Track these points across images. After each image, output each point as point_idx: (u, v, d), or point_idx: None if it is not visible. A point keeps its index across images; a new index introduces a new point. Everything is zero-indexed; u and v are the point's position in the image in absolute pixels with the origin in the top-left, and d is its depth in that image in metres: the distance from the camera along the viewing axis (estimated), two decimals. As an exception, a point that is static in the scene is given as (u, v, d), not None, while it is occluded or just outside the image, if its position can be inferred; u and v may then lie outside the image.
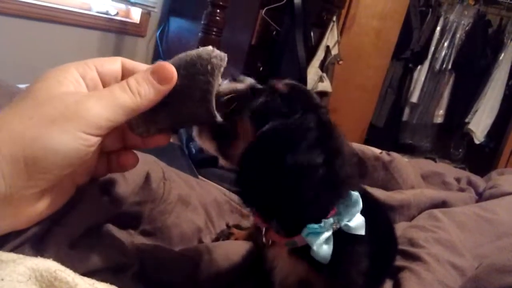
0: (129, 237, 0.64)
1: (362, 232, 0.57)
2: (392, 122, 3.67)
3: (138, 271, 0.58)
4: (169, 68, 0.47)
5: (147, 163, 0.70)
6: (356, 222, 0.56)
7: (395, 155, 1.08)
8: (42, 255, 0.41)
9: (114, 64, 0.49)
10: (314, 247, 0.53)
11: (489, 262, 0.66)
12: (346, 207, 0.56)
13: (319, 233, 0.54)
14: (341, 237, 0.55)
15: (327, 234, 0.54)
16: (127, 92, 0.45)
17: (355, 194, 0.56)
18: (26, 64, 2.20)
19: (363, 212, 0.57)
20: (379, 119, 3.65)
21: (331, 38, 2.90)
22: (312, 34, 2.77)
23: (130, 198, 0.64)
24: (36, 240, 0.47)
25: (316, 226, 0.54)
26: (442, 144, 3.69)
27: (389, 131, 3.64)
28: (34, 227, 0.46)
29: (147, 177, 0.68)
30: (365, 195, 0.73)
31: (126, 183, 0.63)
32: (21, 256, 0.41)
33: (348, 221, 0.56)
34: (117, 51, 2.68)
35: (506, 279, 0.62)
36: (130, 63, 0.50)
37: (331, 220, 0.55)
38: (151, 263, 0.61)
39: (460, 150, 3.59)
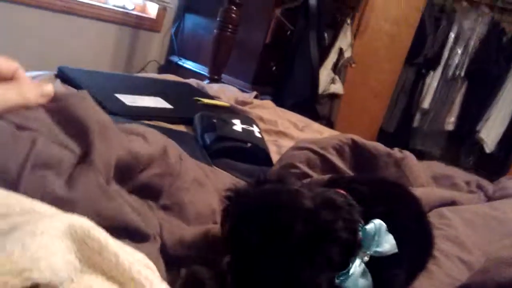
0: (150, 210, 0.66)
1: (394, 251, 0.57)
2: (403, 127, 3.67)
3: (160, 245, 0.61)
4: (51, 91, 0.62)
5: (163, 139, 0.73)
6: (386, 246, 0.57)
7: (407, 153, 1.10)
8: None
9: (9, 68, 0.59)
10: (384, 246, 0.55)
11: (498, 255, 0.67)
12: (370, 240, 0.57)
13: (351, 274, 0.54)
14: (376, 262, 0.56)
15: (360, 269, 0.55)
16: (18, 95, 0.58)
17: (372, 226, 0.57)
18: (41, 53, 2.24)
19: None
20: (389, 124, 3.65)
21: (344, 40, 2.92)
22: (326, 35, 2.79)
23: (151, 169, 0.66)
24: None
25: (344, 272, 0.54)
26: (452, 152, 3.68)
27: (399, 137, 3.64)
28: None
29: (165, 151, 0.70)
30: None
31: (147, 143, 0.65)
32: (57, 211, 0.43)
33: (377, 247, 0.57)
34: (132, 45, 2.72)
35: (515, 272, 0.63)
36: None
37: (357, 260, 0.55)
38: (169, 238, 0.63)
39: (470, 158, 3.58)
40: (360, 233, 0.56)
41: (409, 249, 0.63)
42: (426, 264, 0.72)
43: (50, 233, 0.40)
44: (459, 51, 3.46)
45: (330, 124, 2.90)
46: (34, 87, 0.61)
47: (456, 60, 3.47)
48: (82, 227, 0.44)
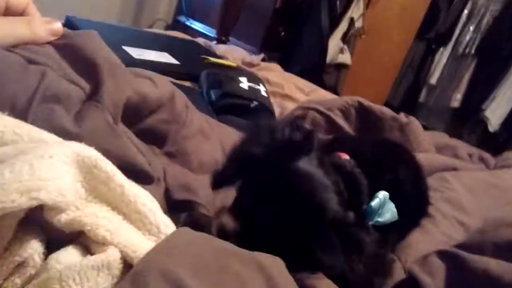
0: (154, 155, 0.67)
1: (395, 219, 0.59)
2: (408, 102, 3.65)
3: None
4: (60, 29, 0.62)
5: (171, 85, 0.73)
6: (387, 215, 0.58)
7: (412, 118, 1.10)
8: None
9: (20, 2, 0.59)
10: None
11: (497, 217, 0.67)
12: (374, 213, 0.58)
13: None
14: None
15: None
16: (28, 30, 0.58)
17: (377, 202, 0.58)
18: (48, 1, 2.21)
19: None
20: (395, 98, 3.63)
21: (356, 9, 2.87)
22: (338, 3, 2.74)
23: (159, 113, 0.66)
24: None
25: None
26: (455, 129, 3.66)
27: (403, 111, 3.62)
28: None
29: (173, 97, 0.70)
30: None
31: (156, 87, 0.65)
32: (66, 141, 0.44)
33: (379, 217, 0.58)
34: (141, 2, 2.68)
35: (512, 233, 0.64)
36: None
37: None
38: (173, 183, 0.64)
39: (473, 136, 3.57)
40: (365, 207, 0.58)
41: (404, 212, 0.65)
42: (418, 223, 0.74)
43: (59, 158, 0.41)
44: (471, 28, 3.40)
45: (335, 94, 2.88)
46: (45, 23, 0.61)
47: (468, 37, 3.42)
48: (90, 157, 0.44)
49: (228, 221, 0.54)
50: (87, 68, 0.58)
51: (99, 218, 0.44)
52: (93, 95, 0.56)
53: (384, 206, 0.58)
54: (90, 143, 0.53)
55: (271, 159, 0.54)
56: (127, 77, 0.60)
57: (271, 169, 0.53)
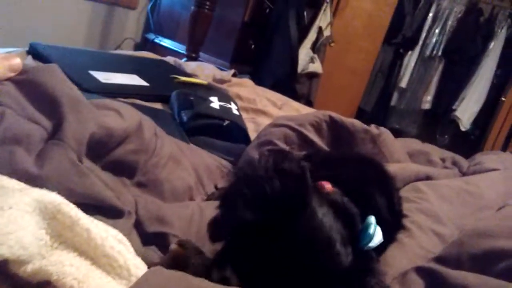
0: (124, 187, 0.65)
1: (381, 241, 0.58)
2: (381, 106, 3.70)
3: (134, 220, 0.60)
4: (19, 65, 0.61)
5: (138, 115, 0.71)
6: (376, 240, 0.58)
7: (383, 129, 1.10)
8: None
9: None
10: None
11: (472, 228, 0.68)
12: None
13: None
14: None
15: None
16: None
17: (372, 230, 0.57)
18: (12, 30, 2.17)
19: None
20: (367, 103, 3.68)
21: (324, 19, 2.90)
22: (305, 13, 2.76)
23: (126, 144, 0.65)
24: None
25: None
26: (428, 130, 3.73)
27: (377, 116, 3.67)
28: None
29: (140, 126, 0.69)
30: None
31: (122, 118, 0.64)
32: (25, 186, 0.42)
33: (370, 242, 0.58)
34: (107, 22, 2.65)
35: (488, 243, 0.64)
36: None
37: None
38: (145, 214, 0.62)
39: (446, 136, 3.63)
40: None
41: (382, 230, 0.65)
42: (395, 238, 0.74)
43: (19, 208, 0.39)
44: (437, 31, 3.48)
45: (309, 103, 2.90)
46: (2, 59, 0.59)
47: (434, 39, 3.49)
48: (53, 202, 0.43)
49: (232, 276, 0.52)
50: (48, 104, 0.56)
51: (65, 266, 0.42)
52: (55, 133, 0.54)
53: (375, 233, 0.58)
54: (54, 184, 0.52)
55: (269, 224, 0.51)
56: (90, 112, 0.58)
57: (271, 232, 0.51)
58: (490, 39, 3.38)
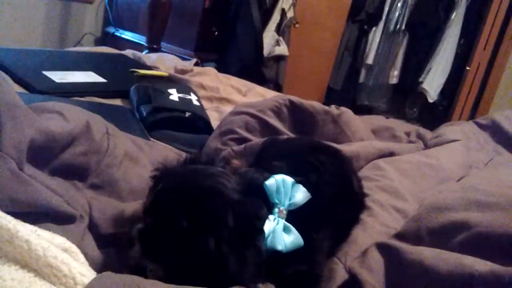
0: (77, 190, 0.63)
1: (308, 198, 0.59)
2: (349, 84, 3.72)
3: (88, 224, 0.58)
4: None
5: (85, 114, 0.69)
6: (298, 196, 0.58)
7: (344, 109, 1.10)
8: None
9: None
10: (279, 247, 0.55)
11: (429, 202, 0.69)
12: (274, 193, 0.57)
13: (270, 233, 0.55)
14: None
15: (280, 225, 0.56)
16: None
17: (272, 182, 0.58)
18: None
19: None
20: (336, 82, 3.69)
21: (286, 0, 2.88)
22: (266, -4, 2.74)
23: (74, 147, 0.63)
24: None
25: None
26: (397, 104, 3.77)
27: (346, 93, 3.70)
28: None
29: (88, 127, 0.67)
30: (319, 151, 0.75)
31: (66, 121, 0.62)
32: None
33: (290, 200, 0.58)
34: (64, 19, 2.57)
35: (445, 216, 0.65)
36: None
37: (270, 216, 0.57)
38: (100, 217, 0.61)
39: (415, 109, 3.68)
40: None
41: (334, 212, 0.65)
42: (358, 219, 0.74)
43: None
44: (399, 5, 3.49)
45: (277, 86, 2.89)
46: None
47: (397, 13, 3.50)
48: (-14, 216, 0.41)
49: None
50: (-17, 113, 0.54)
51: (6, 281, 0.41)
52: (-8, 142, 0.52)
53: (286, 187, 0.58)
54: (-6, 195, 0.50)
55: None
56: (28, 117, 0.56)
57: None
58: (451, 9, 3.41)
